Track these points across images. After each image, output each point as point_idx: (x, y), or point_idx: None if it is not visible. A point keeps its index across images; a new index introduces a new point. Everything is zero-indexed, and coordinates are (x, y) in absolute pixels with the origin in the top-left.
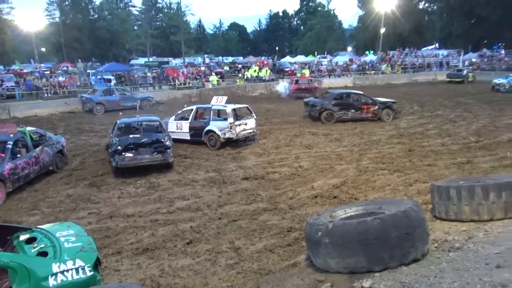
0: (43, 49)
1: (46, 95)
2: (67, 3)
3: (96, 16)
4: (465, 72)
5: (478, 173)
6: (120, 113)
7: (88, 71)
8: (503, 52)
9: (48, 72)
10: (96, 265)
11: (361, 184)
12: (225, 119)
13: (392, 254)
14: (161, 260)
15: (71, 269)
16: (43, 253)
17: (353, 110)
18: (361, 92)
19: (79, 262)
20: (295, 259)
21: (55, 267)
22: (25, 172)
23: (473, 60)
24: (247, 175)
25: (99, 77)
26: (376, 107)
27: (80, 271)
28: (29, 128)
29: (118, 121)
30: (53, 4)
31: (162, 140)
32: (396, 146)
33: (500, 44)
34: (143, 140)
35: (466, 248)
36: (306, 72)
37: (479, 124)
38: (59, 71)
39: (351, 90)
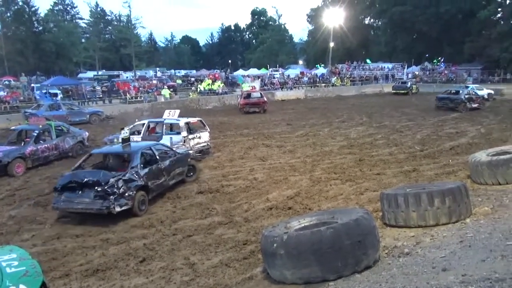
0: None
1: None
2: (8, 14)
3: (40, 28)
4: (409, 84)
5: (423, 180)
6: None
7: (32, 85)
8: (442, 65)
9: None
10: None
11: (314, 195)
12: (179, 133)
13: (346, 262)
14: (112, 281)
15: None
16: None
17: (472, 101)
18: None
19: None
20: (251, 272)
21: None
22: (44, 154)
23: (416, 73)
24: (202, 188)
25: (44, 91)
26: (480, 99)
27: None
28: (55, 123)
29: (92, 151)
30: None
31: (102, 183)
32: (347, 156)
33: (440, 59)
34: (87, 179)
35: (414, 253)
36: (246, 86)
37: (423, 133)
38: (0, 86)
39: (465, 88)
